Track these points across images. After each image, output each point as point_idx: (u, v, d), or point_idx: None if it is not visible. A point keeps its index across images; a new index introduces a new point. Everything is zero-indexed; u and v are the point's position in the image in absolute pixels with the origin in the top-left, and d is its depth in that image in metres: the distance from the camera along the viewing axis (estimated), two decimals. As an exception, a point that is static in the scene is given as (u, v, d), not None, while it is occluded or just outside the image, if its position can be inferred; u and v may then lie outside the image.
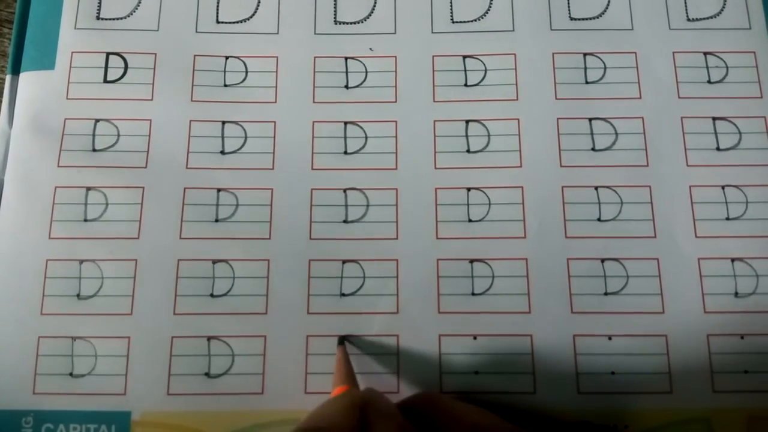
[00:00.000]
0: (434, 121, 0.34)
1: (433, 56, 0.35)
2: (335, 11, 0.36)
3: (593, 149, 0.33)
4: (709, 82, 0.34)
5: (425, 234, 0.33)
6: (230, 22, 0.35)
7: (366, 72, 0.35)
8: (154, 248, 0.32)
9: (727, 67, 0.34)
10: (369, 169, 0.33)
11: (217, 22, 0.35)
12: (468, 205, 0.33)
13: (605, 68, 0.34)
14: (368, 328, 0.31)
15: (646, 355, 0.31)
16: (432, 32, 0.35)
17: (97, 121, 0.34)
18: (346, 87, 0.35)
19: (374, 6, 0.36)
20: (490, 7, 0.36)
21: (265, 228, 0.33)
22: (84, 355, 0.31)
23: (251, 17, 0.35)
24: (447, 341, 0.31)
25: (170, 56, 0.35)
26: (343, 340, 0.31)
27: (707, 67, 0.34)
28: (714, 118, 0.34)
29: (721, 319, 0.31)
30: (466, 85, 0.34)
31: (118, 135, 0.34)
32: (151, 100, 0.34)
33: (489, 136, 0.34)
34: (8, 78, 0.34)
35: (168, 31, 0.35)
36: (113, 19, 0.35)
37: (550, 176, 0.33)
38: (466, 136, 0.34)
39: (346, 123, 0.34)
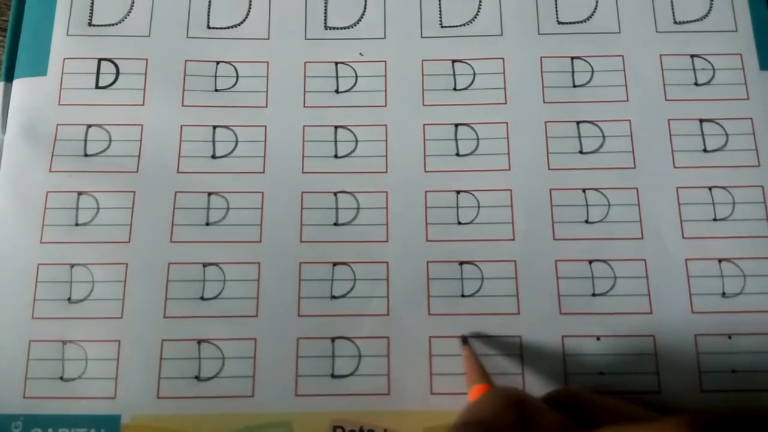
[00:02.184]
0: (424, 124, 0.34)
1: (423, 60, 0.35)
2: (325, 16, 0.36)
3: (581, 152, 0.34)
4: (696, 84, 0.35)
5: (415, 236, 0.33)
6: (221, 28, 0.36)
7: (356, 76, 0.35)
8: (145, 252, 0.32)
9: (713, 70, 0.35)
10: (359, 172, 0.34)
11: (208, 27, 0.36)
12: (457, 207, 0.33)
13: (593, 71, 0.35)
14: (359, 330, 0.32)
15: (635, 355, 0.31)
16: (421, 37, 0.36)
17: (88, 126, 0.34)
18: (336, 91, 0.35)
19: (364, 11, 0.36)
20: (478, 11, 0.36)
21: (255, 231, 0.33)
22: (74, 359, 0.31)
23: (242, 23, 0.36)
24: (437, 343, 0.31)
25: (161, 62, 0.35)
26: (466, 339, 0.31)
27: (694, 70, 0.35)
28: (701, 120, 0.34)
29: (709, 319, 0.31)
30: (455, 89, 0.35)
31: (110, 140, 0.34)
32: (143, 105, 0.34)
33: (478, 139, 0.34)
34: (1, 85, 0.35)
35: (159, 36, 0.35)
36: (105, 25, 0.36)
37: (538, 179, 0.33)
38: (455, 139, 0.34)
39: (336, 127, 0.34)
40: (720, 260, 0.32)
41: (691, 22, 0.36)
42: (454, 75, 0.35)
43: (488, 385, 0.28)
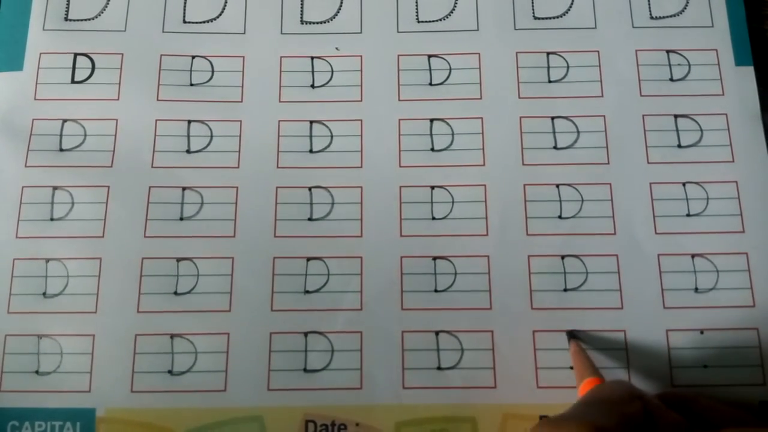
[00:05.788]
0: (399, 119, 0.34)
1: (399, 55, 0.35)
2: (302, 11, 0.36)
3: (555, 147, 0.34)
4: (671, 79, 0.35)
5: (389, 231, 0.33)
6: (197, 22, 0.36)
7: (332, 71, 0.35)
8: (119, 247, 0.32)
9: (689, 65, 0.35)
10: (334, 167, 0.34)
11: (184, 22, 0.36)
12: (432, 203, 0.33)
13: (568, 67, 0.35)
14: (332, 325, 0.32)
15: (605, 350, 0.31)
16: (397, 32, 0.36)
17: (64, 121, 0.34)
18: (312, 86, 0.35)
19: (340, 6, 0.36)
20: (455, 6, 0.36)
21: (229, 226, 0.33)
22: (50, 353, 0.31)
23: (218, 17, 0.36)
24: (409, 338, 0.31)
25: (137, 56, 0.35)
26: (573, 334, 0.31)
27: (670, 65, 0.35)
28: (675, 116, 0.34)
29: (681, 314, 0.32)
30: (430, 84, 0.35)
31: (85, 135, 0.34)
32: (118, 99, 0.34)
33: (453, 134, 0.34)
34: (-23, 79, 0.35)
35: (135, 31, 0.35)
36: (81, 20, 0.36)
37: (512, 174, 0.33)
38: (431, 134, 0.34)
39: (311, 122, 0.34)
40: (693, 255, 0.32)
41: (667, 17, 0.35)
42: (430, 70, 0.35)
43: (601, 379, 0.28)
